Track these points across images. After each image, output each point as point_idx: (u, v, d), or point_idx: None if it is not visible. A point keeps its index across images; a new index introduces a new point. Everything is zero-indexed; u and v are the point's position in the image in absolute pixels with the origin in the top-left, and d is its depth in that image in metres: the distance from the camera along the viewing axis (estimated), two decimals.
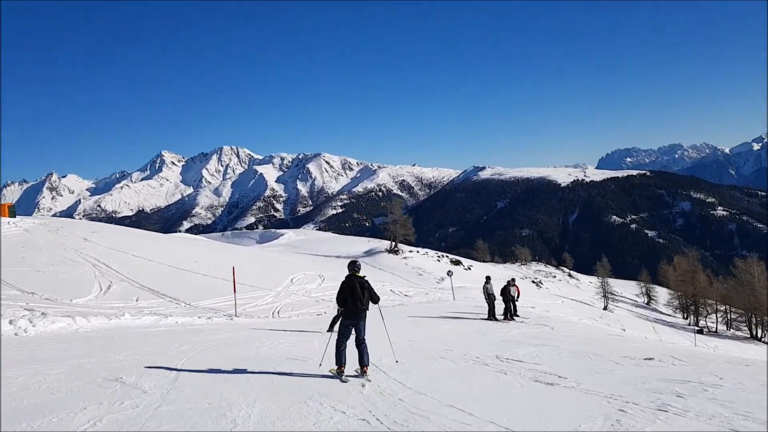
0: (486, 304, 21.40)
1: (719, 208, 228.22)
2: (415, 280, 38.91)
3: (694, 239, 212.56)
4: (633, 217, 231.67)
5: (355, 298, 8.48)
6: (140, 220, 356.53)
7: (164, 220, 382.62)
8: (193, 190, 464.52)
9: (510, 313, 20.70)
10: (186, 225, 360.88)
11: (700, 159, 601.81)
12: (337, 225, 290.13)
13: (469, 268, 47.80)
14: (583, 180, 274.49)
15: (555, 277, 56.94)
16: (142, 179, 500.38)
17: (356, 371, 8.60)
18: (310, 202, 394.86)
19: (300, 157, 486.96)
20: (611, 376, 9.02)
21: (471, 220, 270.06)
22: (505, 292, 20.83)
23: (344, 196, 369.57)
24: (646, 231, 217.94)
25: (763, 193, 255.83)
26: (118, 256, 27.47)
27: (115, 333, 13.25)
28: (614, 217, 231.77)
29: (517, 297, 21.55)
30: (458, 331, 16.63)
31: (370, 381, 8.30)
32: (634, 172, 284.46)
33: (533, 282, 52.57)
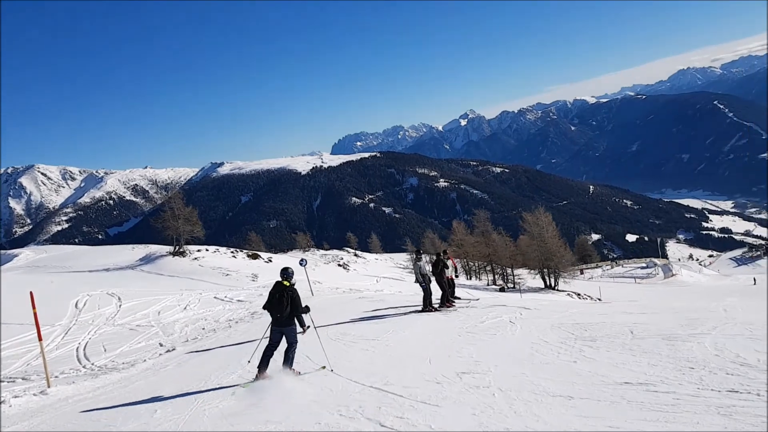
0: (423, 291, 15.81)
1: (441, 180, 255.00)
2: (227, 282, 33.86)
3: (425, 210, 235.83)
4: (370, 196, 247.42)
5: (273, 306, 8.70)
6: None
7: None
8: None
9: (448, 297, 16.36)
10: None
11: (419, 137, 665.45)
12: (65, 242, 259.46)
13: (270, 260, 45.25)
14: (321, 166, 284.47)
15: (342, 259, 57.32)
16: None
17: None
18: (29, 221, 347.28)
19: (9, 171, 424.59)
20: None
21: (216, 217, 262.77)
22: (438, 268, 15.99)
23: (69, 210, 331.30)
24: (383, 208, 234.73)
25: (474, 163, 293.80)
26: None
27: None
28: (354, 198, 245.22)
29: (456, 273, 18.13)
30: (430, 338, 11.47)
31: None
32: (366, 155, 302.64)
33: (339, 265, 52.26)
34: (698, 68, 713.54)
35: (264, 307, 8.89)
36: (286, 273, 8.98)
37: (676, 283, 60.28)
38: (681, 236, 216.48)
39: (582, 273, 70.67)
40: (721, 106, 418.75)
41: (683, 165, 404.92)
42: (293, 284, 8.95)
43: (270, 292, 8.82)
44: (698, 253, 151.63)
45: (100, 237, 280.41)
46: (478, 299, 18.32)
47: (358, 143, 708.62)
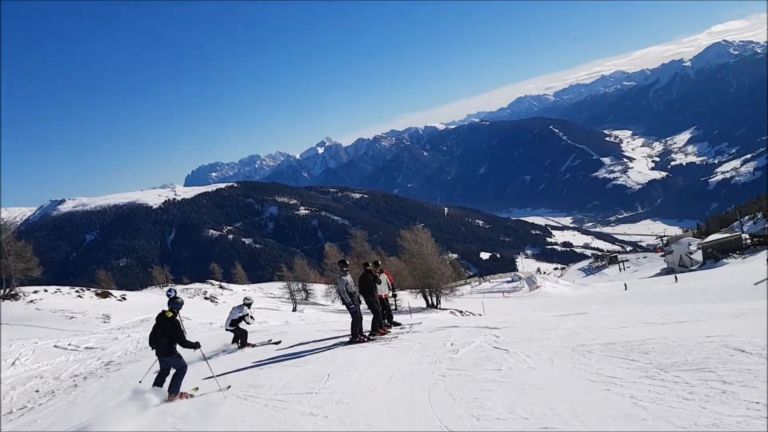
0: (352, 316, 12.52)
1: (302, 208, 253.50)
2: (72, 327, 27.85)
3: (286, 239, 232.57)
4: (229, 227, 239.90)
5: (151, 337, 8.63)
6: None
7: None
8: None
9: (382, 322, 13.07)
10: None
11: (277, 166, 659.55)
12: None
13: (124, 298, 40.61)
14: (174, 199, 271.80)
15: (207, 291, 53.50)
16: None
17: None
18: None
19: None
20: None
21: (58, 259, 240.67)
22: (367, 284, 12.61)
23: None
24: (243, 239, 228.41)
25: (333, 189, 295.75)
26: None
27: None
28: (211, 230, 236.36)
29: (392, 290, 14.69)
30: (400, 383, 7.95)
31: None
32: (222, 185, 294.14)
33: (206, 299, 48.23)
34: (534, 96, 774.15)
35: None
36: (173, 303, 8.67)
37: (542, 295, 63.44)
38: (529, 251, 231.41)
39: (453, 290, 72.73)
40: (556, 130, 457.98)
41: (526, 185, 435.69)
42: (175, 316, 8.59)
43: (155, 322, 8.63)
44: (544, 266, 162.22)
45: None
46: (420, 322, 14.71)
47: (214, 174, 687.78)
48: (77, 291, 43.13)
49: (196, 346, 8.68)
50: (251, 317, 14.75)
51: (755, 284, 38.95)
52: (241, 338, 14.39)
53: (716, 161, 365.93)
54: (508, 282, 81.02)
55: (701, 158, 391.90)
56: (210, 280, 70.31)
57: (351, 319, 12.27)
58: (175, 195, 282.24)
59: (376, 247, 58.85)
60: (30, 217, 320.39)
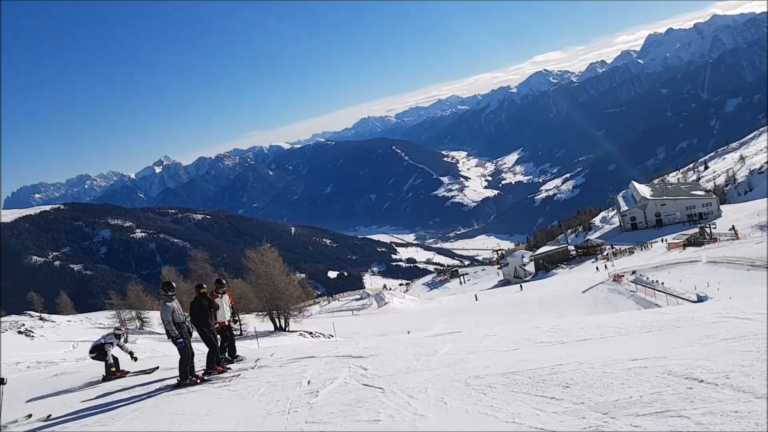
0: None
1: (138, 230, 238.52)
2: None
3: (121, 264, 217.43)
4: (55, 253, 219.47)
5: None
6: None
7: None
8: None
9: (220, 357, 10.85)
10: None
11: (109, 186, 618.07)
12: None
13: None
14: None
15: (24, 325, 47.03)
16: None
17: None
18: None
19: None
20: None
21: None
22: (200, 311, 10.27)
23: None
24: (72, 265, 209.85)
25: (173, 211, 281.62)
26: None
27: None
28: (35, 257, 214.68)
29: (235, 316, 11.26)
30: None
31: None
32: (47, 207, 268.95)
33: (20, 332, 41.42)
34: (377, 117, 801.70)
35: None
36: None
37: (390, 311, 64.42)
38: (375, 268, 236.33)
39: (301, 311, 71.55)
40: (398, 151, 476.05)
41: (372, 204, 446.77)
42: None
43: None
44: (390, 282, 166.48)
45: None
46: (272, 354, 12.27)
47: (37, 195, 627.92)
48: None
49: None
50: (122, 346, 12.82)
51: (583, 292, 42.71)
52: (108, 367, 12.24)
53: (540, 180, 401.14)
54: (356, 300, 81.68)
55: (528, 177, 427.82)
56: (29, 312, 63.08)
57: (179, 356, 9.75)
58: None
59: (219, 269, 55.61)
60: None
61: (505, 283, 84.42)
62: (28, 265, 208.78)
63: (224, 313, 11.22)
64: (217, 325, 10.80)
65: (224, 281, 11.79)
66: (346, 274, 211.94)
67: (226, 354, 11.29)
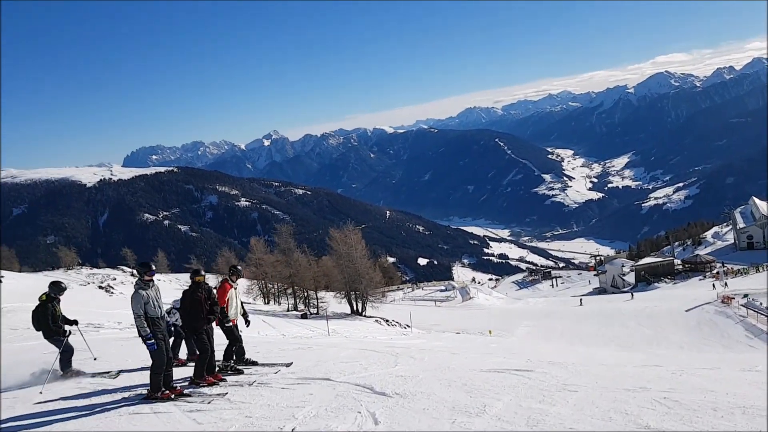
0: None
1: (242, 199, 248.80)
2: None
3: (224, 229, 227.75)
4: (165, 213, 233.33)
5: None
6: None
7: None
8: None
9: (214, 363, 8.83)
10: None
11: (220, 155, 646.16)
12: None
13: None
14: (110, 179, 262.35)
15: (116, 279, 49.74)
16: None
17: None
18: None
19: None
20: None
21: None
22: (193, 306, 8.46)
23: None
24: (179, 226, 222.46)
25: (276, 183, 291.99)
26: None
27: None
28: (146, 214, 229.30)
29: (245, 316, 10.04)
30: None
31: None
32: (162, 169, 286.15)
33: (101, 287, 43.88)
34: (483, 108, 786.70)
35: None
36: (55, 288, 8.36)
37: (474, 306, 63.05)
38: (465, 260, 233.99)
39: (384, 296, 71.70)
40: (501, 144, 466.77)
41: (469, 195, 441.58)
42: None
43: None
44: (479, 276, 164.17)
45: None
46: (290, 363, 9.89)
47: (154, 157, 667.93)
48: None
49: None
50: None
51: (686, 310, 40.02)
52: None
53: (650, 187, 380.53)
54: (441, 291, 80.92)
55: (636, 183, 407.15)
56: (122, 267, 66.40)
57: (151, 362, 7.72)
58: (112, 175, 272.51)
59: (302, 245, 54.73)
60: None
61: (600, 291, 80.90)
62: (140, 222, 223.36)
63: (236, 309, 9.66)
64: (229, 323, 9.33)
65: (240, 268, 10.23)
66: (435, 262, 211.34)
67: (232, 361, 9.53)
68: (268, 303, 51.20)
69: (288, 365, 9.72)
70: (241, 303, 9.88)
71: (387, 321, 37.47)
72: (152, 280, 8.11)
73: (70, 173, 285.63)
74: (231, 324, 9.36)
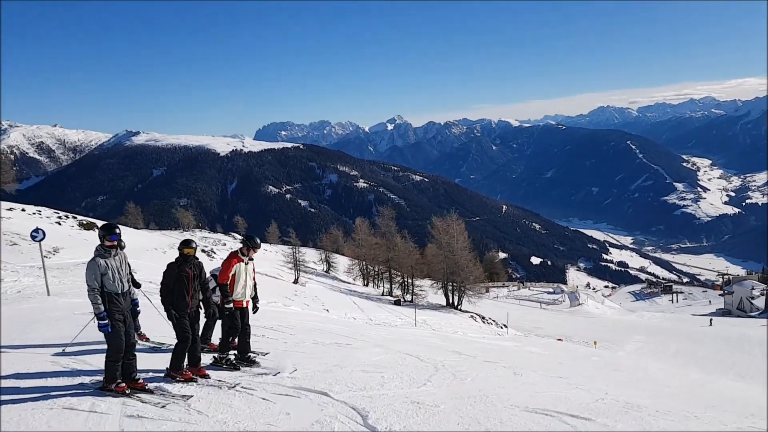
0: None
1: (361, 180, 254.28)
2: (7, 257, 23.29)
3: (341, 208, 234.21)
4: (288, 187, 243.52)
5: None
6: None
7: None
8: None
9: (199, 355, 7.26)
10: None
11: (345, 135, 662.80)
12: None
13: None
14: (241, 150, 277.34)
15: (225, 245, 51.64)
16: None
17: None
18: None
19: None
20: None
21: (124, 188, 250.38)
22: (180, 282, 7.00)
23: None
24: (300, 201, 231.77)
25: (395, 168, 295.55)
26: None
27: None
28: (271, 187, 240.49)
29: (255, 299, 8.29)
30: None
31: None
32: (289, 145, 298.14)
33: (203, 251, 45.91)
34: (616, 107, 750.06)
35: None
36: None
37: (582, 313, 60.81)
38: (581, 264, 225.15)
39: (487, 291, 70.49)
40: (633, 147, 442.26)
41: (592, 197, 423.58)
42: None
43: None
44: (595, 282, 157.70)
45: None
46: (294, 369, 7.85)
47: (283, 132, 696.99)
48: (59, 216, 39.78)
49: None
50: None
51: None
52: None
53: None
54: (548, 293, 78.41)
55: None
56: (233, 233, 68.55)
57: (107, 348, 6.30)
58: (243, 146, 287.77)
59: (403, 231, 53.41)
60: (105, 143, 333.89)
61: (725, 312, 75.05)
62: (264, 193, 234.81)
63: (246, 289, 8.02)
64: (230, 306, 7.69)
65: (258, 240, 8.31)
66: (549, 263, 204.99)
67: (231, 354, 7.97)
68: (367, 285, 51.16)
69: (293, 371, 7.72)
70: (254, 284, 8.26)
71: (483, 318, 36.49)
72: (115, 247, 6.37)
73: (206, 141, 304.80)
74: (233, 307, 7.73)
